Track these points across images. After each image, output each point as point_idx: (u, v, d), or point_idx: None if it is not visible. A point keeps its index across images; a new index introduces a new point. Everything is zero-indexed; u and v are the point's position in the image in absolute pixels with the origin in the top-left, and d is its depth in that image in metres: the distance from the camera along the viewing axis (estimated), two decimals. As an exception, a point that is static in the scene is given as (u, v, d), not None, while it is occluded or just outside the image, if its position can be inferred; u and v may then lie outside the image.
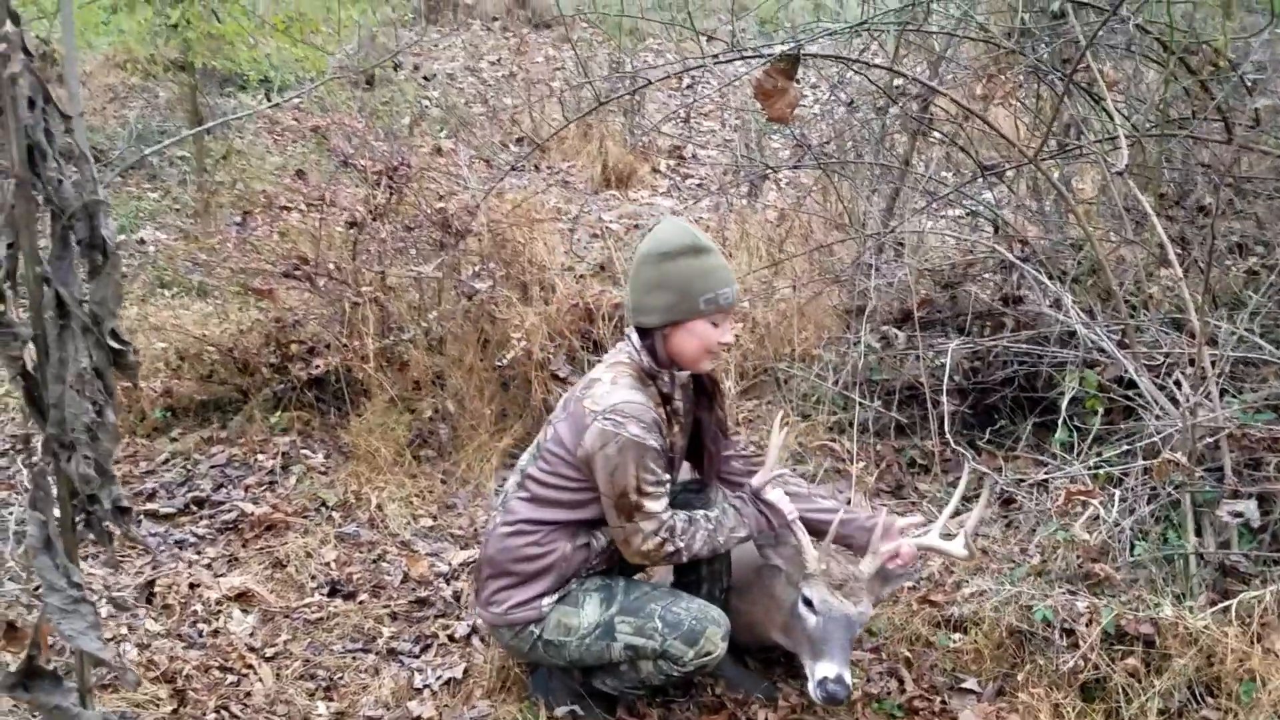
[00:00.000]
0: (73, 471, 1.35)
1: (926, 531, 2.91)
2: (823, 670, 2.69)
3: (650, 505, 2.67)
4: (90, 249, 1.34)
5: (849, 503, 3.20)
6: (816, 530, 2.90)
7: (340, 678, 3.16)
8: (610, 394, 2.70)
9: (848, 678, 2.68)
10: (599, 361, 2.96)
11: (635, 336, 2.81)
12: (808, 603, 2.78)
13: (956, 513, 2.93)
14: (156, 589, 3.51)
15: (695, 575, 3.01)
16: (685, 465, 3.11)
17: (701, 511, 2.82)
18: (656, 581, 3.01)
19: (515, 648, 2.92)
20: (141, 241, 6.66)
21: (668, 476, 2.77)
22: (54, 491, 1.38)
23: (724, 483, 3.04)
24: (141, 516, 3.95)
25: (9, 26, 1.17)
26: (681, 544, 2.72)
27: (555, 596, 2.82)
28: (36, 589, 2.81)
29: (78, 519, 1.42)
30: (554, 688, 3.00)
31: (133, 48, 7.25)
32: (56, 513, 1.39)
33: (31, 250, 1.31)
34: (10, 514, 3.56)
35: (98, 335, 1.34)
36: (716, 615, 2.80)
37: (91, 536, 1.45)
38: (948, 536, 2.87)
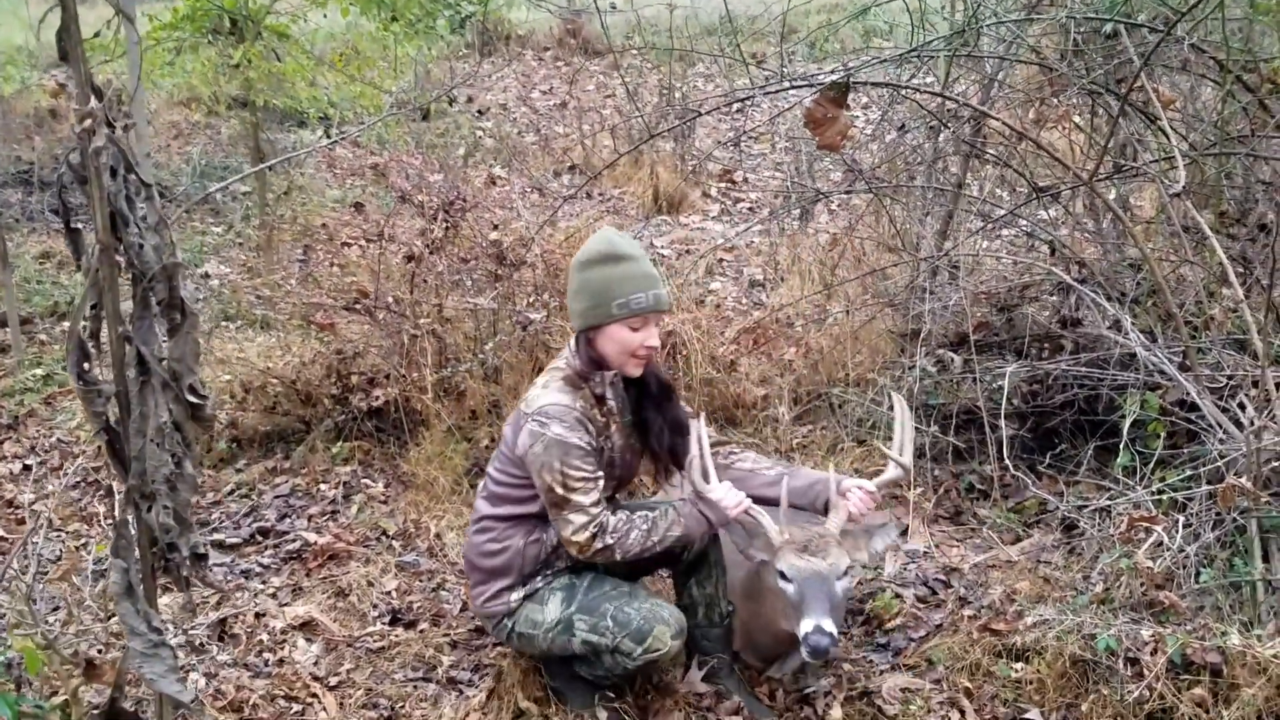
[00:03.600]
0: (153, 521, 1.42)
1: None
2: (804, 627, 2.76)
3: (577, 499, 2.81)
4: (169, 309, 1.41)
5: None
6: (775, 503, 3.03)
7: (402, 707, 3.20)
8: (540, 397, 2.89)
9: (827, 626, 2.73)
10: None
11: (572, 341, 3.00)
12: (782, 575, 2.88)
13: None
14: (223, 617, 3.59)
15: (690, 599, 3.17)
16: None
17: (641, 512, 2.93)
18: (618, 581, 3.07)
19: (497, 637, 3.14)
20: (206, 276, 6.84)
21: (599, 473, 2.88)
22: (135, 539, 1.45)
23: (756, 500, 3.08)
24: (210, 550, 4.04)
25: (93, 102, 1.24)
26: (612, 540, 2.85)
27: (522, 592, 3.01)
28: (108, 619, 2.91)
29: (157, 565, 1.48)
30: (568, 689, 3.14)
31: (196, 86, 7.46)
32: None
33: (114, 311, 1.38)
34: (89, 552, 3.67)
35: (177, 391, 1.41)
36: (667, 615, 2.91)
37: (169, 581, 1.51)
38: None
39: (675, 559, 3.17)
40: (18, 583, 2.14)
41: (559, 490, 2.81)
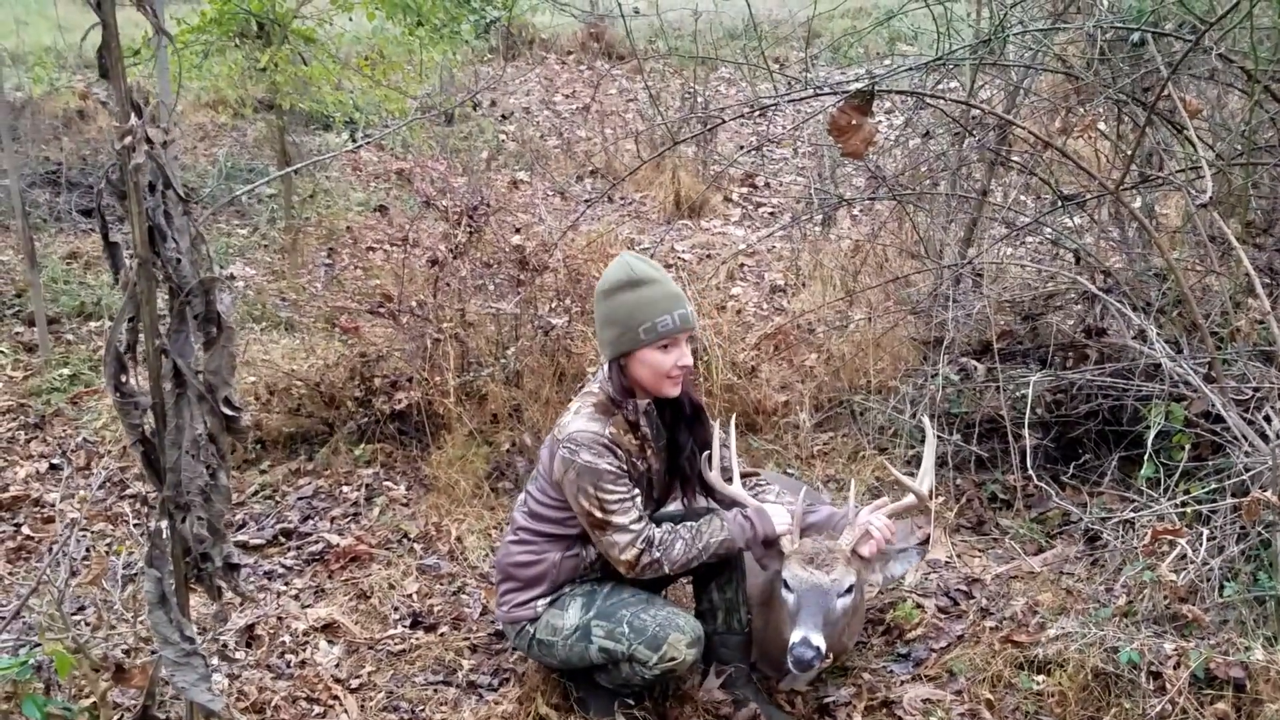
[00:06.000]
0: (187, 532, 1.44)
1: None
2: (793, 636, 2.78)
3: (618, 519, 2.86)
4: (206, 322, 1.43)
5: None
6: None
7: (422, 710, 3.22)
8: (571, 423, 2.92)
9: (815, 639, 2.75)
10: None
11: (605, 367, 3.02)
12: (785, 584, 2.92)
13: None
14: (251, 623, 3.61)
15: (709, 604, 3.18)
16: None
17: (685, 523, 2.97)
18: (637, 589, 3.09)
19: (518, 645, 3.17)
20: (231, 277, 6.89)
21: (634, 492, 2.91)
22: (168, 550, 1.47)
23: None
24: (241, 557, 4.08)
25: (133, 119, 1.26)
26: (659, 554, 2.89)
27: (549, 599, 3.04)
28: (135, 620, 2.94)
29: (190, 575, 1.50)
30: (590, 696, 3.15)
31: (223, 89, 7.53)
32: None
33: (151, 324, 1.40)
34: (116, 555, 3.70)
35: (212, 403, 1.43)
36: (683, 624, 2.91)
37: (201, 591, 1.53)
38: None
39: None
40: (48, 586, 2.16)
41: (598, 514, 2.86)
